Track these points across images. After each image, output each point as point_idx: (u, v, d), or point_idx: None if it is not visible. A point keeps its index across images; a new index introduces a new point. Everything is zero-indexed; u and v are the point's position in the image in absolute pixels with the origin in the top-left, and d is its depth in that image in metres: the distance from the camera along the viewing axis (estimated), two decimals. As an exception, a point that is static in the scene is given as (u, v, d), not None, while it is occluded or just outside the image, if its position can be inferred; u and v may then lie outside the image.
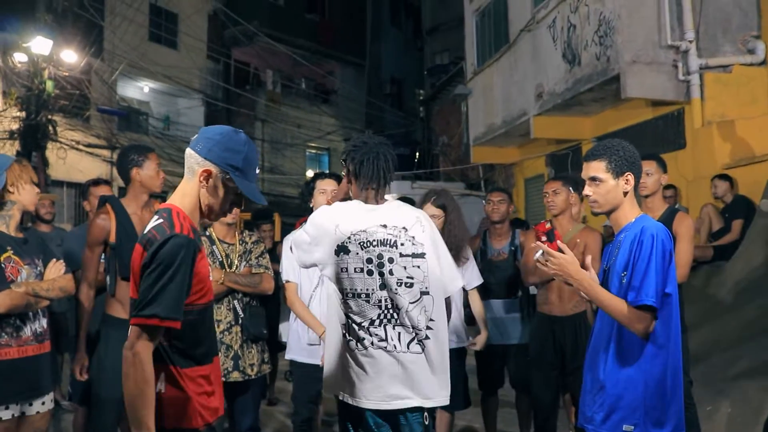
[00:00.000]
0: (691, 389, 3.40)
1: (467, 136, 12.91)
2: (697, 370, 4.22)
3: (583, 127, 9.34)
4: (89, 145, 15.40)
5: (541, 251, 2.35)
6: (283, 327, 4.19)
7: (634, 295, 2.19)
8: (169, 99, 18.73)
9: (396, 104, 24.52)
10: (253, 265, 3.56)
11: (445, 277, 2.54)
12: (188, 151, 1.95)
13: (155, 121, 18.70)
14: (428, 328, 2.43)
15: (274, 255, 5.26)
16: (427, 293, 2.44)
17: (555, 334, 3.79)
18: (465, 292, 4.01)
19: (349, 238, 2.42)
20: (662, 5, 7.23)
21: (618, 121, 8.65)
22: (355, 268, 2.41)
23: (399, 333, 2.40)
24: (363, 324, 2.40)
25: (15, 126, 13.02)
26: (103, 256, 3.21)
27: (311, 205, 3.60)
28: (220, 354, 2.74)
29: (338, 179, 3.62)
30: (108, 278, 3.16)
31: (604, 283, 2.36)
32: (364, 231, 2.43)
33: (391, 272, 2.41)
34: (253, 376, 3.47)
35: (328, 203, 3.12)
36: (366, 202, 2.52)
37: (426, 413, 2.45)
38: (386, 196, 2.60)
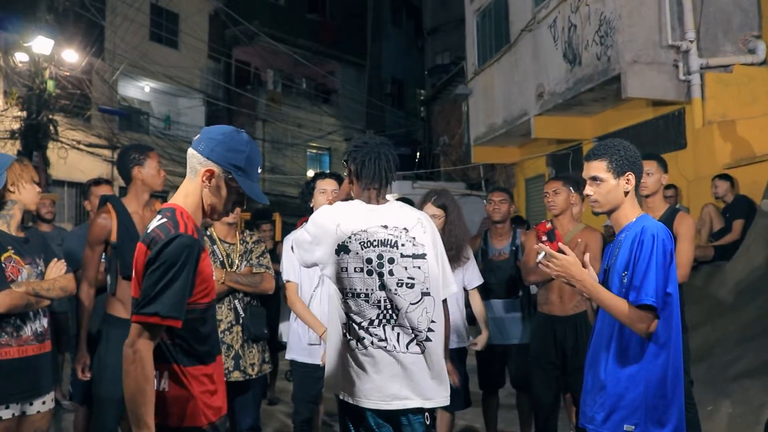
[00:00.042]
0: (691, 389, 3.40)
1: (468, 136, 12.91)
2: (698, 370, 4.22)
3: (584, 127, 9.33)
4: (90, 145, 15.42)
5: (543, 253, 2.35)
6: (283, 327, 4.18)
7: (635, 295, 2.19)
8: (170, 99, 18.75)
9: (397, 104, 24.54)
10: (254, 264, 3.56)
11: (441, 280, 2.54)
12: (190, 151, 1.95)
13: (156, 120, 18.73)
14: (429, 330, 2.43)
15: (275, 255, 5.26)
16: (429, 294, 2.44)
17: (556, 334, 3.79)
18: (466, 292, 4.01)
19: (349, 237, 2.42)
20: (663, 5, 7.23)
21: (619, 121, 8.65)
22: (355, 268, 2.41)
23: (398, 334, 2.40)
24: (362, 324, 2.40)
25: (16, 125, 13.04)
26: (103, 256, 3.21)
27: (311, 205, 3.60)
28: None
29: (338, 179, 3.62)
30: (108, 278, 3.16)
31: (605, 282, 2.36)
32: (364, 231, 2.43)
33: (391, 272, 2.41)
34: (253, 376, 3.47)
35: (329, 203, 3.12)
36: (367, 202, 2.52)
37: (427, 413, 2.46)
38: (387, 196, 2.60)
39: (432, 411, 2.51)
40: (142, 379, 1.74)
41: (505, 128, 10.30)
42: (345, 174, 2.66)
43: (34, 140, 12.82)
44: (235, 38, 19.51)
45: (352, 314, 2.42)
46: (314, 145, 21.80)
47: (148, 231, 1.86)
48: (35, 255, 2.84)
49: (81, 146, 15.07)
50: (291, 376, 3.87)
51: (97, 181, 4.40)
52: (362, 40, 22.57)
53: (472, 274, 3.98)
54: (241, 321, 3.45)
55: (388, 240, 2.43)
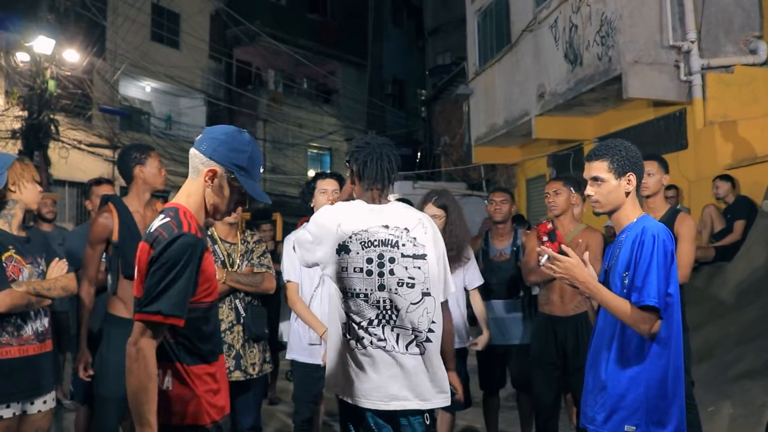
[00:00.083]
0: (692, 390, 3.40)
1: (469, 137, 12.91)
2: (699, 371, 4.21)
3: (585, 127, 9.33)
4: (91, 145, 15.43)
5: (547, 256, 2.35)
6: (283, 327, 4.18)
7: (637, 296, 2.19)
8: (171, 99, 18.76)
9: (398, 104, 24.54)
10: (254, 264, 3.56)
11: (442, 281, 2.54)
12: (193, 151, 1.95)
13: (157, 120, 18.74)
14: (430, 330, 2.43)
15: (275, 255, 5.26)
16: (429, 294, 2.44)
17: (557, 335, 3.79)
18: (466, 292, 4.01)
19: (350, 237, 2.42)
20: (664, 5, 7.23)
21: (620, 121, 8.65)
22: (355, 268, 2.41)
23: (398, 334, 2.40)
24: (362, 323, 2.40)
25: (17, 125, 13.06)
26: (104, 256, 3.21)
27: (312, 206, 3.60)
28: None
29: (339, 179, 3.62)
30: (109, 277, 3.16)
31: (606, 283, 2.36)
32: (365, 231, 2.43)
33: (391, 272, 2.41)
34: (254, 376, 3.48)
35: (330, 203, 3.12)
36: (369, 202, 2.52)
37: (426, 414, 2.46)
38: (388, 197, 2.60)
39: (432, 412, 2.51)
40: (145, 377, 1.75)
41: (506, 128, 10.30)
42: (347, 174, 2.66)
43: (35, 140, 12.83)
44: (236, 38, 19.52)
45: (351, 314, 2.42)
46: (315, 145, 21.81)
47: (151, 230, 1.86)
48: (37, 254, 2.84)
49: (82, 146, 15.08)
50: (291, 376, 3.87)
51: (99, 181, 4.40)
52: (363, 40, 22.57)
53: (472, 275, 3.98)
54: (242, 321, 3.45)
55: (389, 240, 2.43)
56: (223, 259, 3.47)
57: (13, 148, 12.95)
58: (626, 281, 2.25)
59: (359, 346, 2.40)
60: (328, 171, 4.54)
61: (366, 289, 2.40)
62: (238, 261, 3.52)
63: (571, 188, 3.86)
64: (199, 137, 1.97)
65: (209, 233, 3.49)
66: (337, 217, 2.47)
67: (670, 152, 7.22)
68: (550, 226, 2.40)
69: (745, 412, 3.96)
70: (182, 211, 1.89)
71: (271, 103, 19.80)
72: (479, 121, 11.59)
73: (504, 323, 4.24)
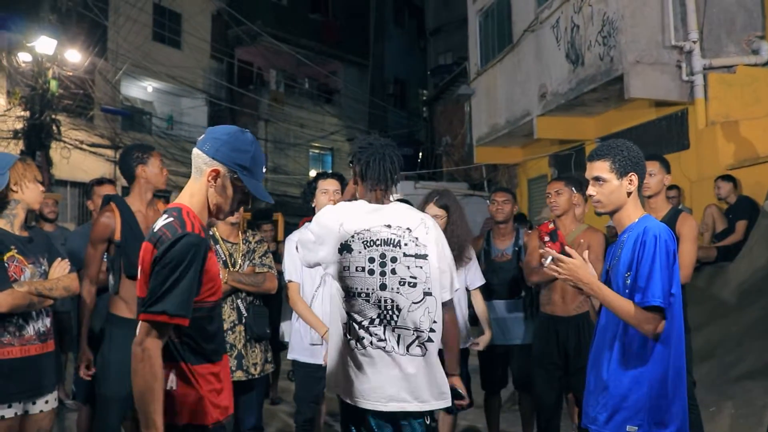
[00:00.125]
0: (694, 390, 3.40)
1: (470, 137, 12.91)
2: (701, 371, 4.21)
3: (587, 127, 9.33)
4: (93, 145, 15.45)
5: (550, 257, 2.35)
6: (285, 327, 4.19)
7: (640, 297, 2.18)
8: (173, 99, 18.77)
9: (399, 104, 24.55)
10: (256, 264, 3.56)
11: (443, 282, 2.53)
12: (195, 151, 1.96)
13: (159, 120, 18.75)
14: (431, 330, 2.43)
15: (276, 255, 5.27)
16: (430, 294, 2.45)
17: (558, 335, 3.78)
18: (468, 292, 4.01)
19: (352, 236, 2.43)
20: (666, 5, 7.21)
21: (621, 121, 8.64)
22: (356, 267, 2.41)
23: (399, 335, 2.39)
24: (363, 323, 2.40)
25: (19, 125, 13.07)
26: (105, 256, 3.22)
27: (313, 206, 3.60)
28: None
29: (340, 179, 3.62)
30: (111, 277, 3.16)
31: (607, 283, 2.36)
32: (368, 230, 2.44)
33: (393, 271, 2.41)
34: (256, 376, 3.48)
35: (332, 203, 3.12)
36: (372, 202, 2.52)
37: (428, 416, 2.46)
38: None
39: (432, 413, 2.51)
40: (151, 377, 1.75)
41: (508, 128, 10.30)
42: (351, 175, 2.66)
43: (37, 140, 12.84)
44: (238, 38, 19.53)
45: (353, 313, 2.42)
46: (317, 145, 21.81)
47: (155, 230, 1.87)
48: (39, 254, 2.84)
49: (84, 146, 15.10)
50: (293, 376, 3.87)
51: (100, 181, 4.41)
52: (365, 40, 22.57)
53: (474, 275, 3.98)
54: (243, 320, 3.46)
55: (391, 239, 2.43)
56: (224, 259, 3.48)
57: (15, 148, 12.96)
58: (628, 281, 2.25)
59: (359, 346, 2.41)
60: (330, 171, 4.54)
61: (367, 288, 2.40)
62: (239, 261, 3.53)
63: (573, 188, 3.86)
64: (201, 137, 1.98)
65: (211, 233, 3.50)
66: (340, 216, 2.48)
67: (671, 152, 7.21)
68: (551, 226, 2.40)
69: (747, 413, 3.95)
70: (185, 211, 1.90)
71: (273, 103, 19.81)
72: (481, 121, 11.58)
73: (505, 323, 4.24)
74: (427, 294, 2.44)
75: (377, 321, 2.39)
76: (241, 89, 19.20)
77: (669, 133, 7.83)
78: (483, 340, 3.93)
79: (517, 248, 4.31)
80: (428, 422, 2.45)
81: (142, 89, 18.45)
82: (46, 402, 2.82)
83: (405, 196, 5.90)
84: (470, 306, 4.05)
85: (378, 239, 2.43)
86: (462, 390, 2.68)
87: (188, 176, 2.00)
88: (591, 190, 2.39)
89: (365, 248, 2.42)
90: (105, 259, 3.23)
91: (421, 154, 19.11)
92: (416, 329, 2.40)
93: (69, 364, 5.21)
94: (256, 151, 1.97)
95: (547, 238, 2.37)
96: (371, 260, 2.41)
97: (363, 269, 2.41)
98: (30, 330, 2.74)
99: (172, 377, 1.86)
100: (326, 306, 3.22)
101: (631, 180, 2.34)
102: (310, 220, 2.90)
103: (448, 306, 2.57)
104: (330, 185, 3.55)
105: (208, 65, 19.39)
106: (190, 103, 18.93)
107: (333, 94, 23.17)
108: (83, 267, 3.24)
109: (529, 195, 11.85)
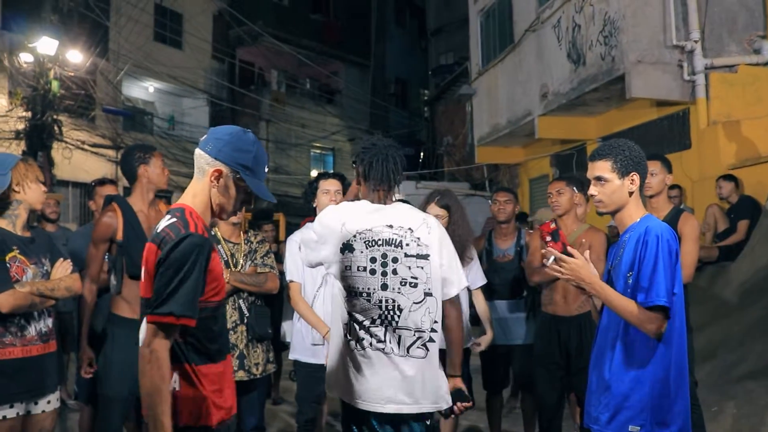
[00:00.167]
0: (696, 390, 3.39)
1: (472, 136, 12.91)
2: (703, 371, 4.21)
3: (588, 127, 9.32)
4: (94, 145, 15.46)
5: (552, 257, 2.35)
6: (286, 327, 4.19)
7: (644, 297, 2.18)
8: (174, 99, 18.79)
9: (400, 104, 24.56)
10: (258, 264, 3.56)
11: (449, 277, 2.53)
12: (198, 151, 1.96)
13: (160, 121, 18.76)
14: (432, 330, 2.43)
15: (278, 255, 5.27)
16: (431, 295, 2.45)
17: (560, 335, 3.78)
18: (469, 292, 4.01)
19: (354, 236, 2.43)
20: (667, 5, 7.21)
21: (623, 121, 8.64)
22: (358, 267, 2.42)
23: (399, 336, 2.39)
24: (364, 323, 2.40)
25: (21, 126, 13.08)
26: (106, 256, 3.22)
27: (314, 206, 3.60)
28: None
29: (342, 179, 3.62)
30: (112, 277, 3.17)
31: (609, 283, 2.36)
32: (369, 230, 2.44)
33: (394, 271, 2.41)
34: (258, 376, 3.48)
35: (334, 203, 3.12)
36: (375, 203, 2.53)
37: (428, 417, 2.46)
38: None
39: (433, 415, 2.51)
40: (159, 379, 1.75)
41: (509, 128, 10.29)
42: (354, 175, 2.67)
43: (38, 140, 12.84)
44: (239, 38, 19.54)
45: (354, 313, 2.43)
46: (318, 145, 21.81)
47: (158, 231, 1.87)
48: (41, 255, 2.85)
49: (85, 146, 15.11)
50: (295, 376, 3.87)
51: (102, 181, 4.41)
52: (366, 40, 22.59)
53: (475, 275, 3.98)
54: (245, 320, 3.46)
55: (392, 239, 2.44)
56: (226, 259, 3.48)
57: (17, 148, 12.98)
58: (630, 281, 2.24)
59: (358, 347, 2.41)
60: (331, 171, 4.54)
61: (369, 288, 2.41)
62: (241, 261, 3.53)
63: (574, 188, 3.86)
64: (204, 138, 1.99)
65: (213, 233, 3.50)
66: (342, 216, 2.48)
67: (673, 152, 7.20)
68: (553, 226, 2.40)
69: (749, 413, 3.95)
70: (188, 211, 1.90)
71: (274, 104, 19.82)
72: (482, 121, 11.58)
73: (507, 323, 4.24)
74: (428, 294, 2.44)
75: (378, 321, 2.40)
76: (242, 89, 19.21)
77: (671, 132, 7.83)
78: (485, 340, 3.93)
79: (518, 248, 4.31)
80: (428, 421, 2.45)
81: (143, 89, 18.47)
82: (48, 402, 2.82)
83: (406, 196, 5.90)
84: (472, 306, 4.05)
85: (380, 239, 2.43)
86: (466, 392, 2.67)
87: (190, 176, 2.00)
88: (593, 189, 2.39)
89: (367, 248, 2.42)
90: (106, 260, 3.23)
91: (422, 154, 19.12)
92: (417, 329, 2.41)
93: (71, 364, 5.22)
94: (258, 150, 1.97)
95: (548, 238, 2.37)
96: (373, 260, 2.41)
97: (364, 269, 2.41)
98: (32, 330, 2.74)
99: (176, 378, 1.86)
100: (327, 306, 3.22)
101: (632, 180, 2.34)
102: (311, 221, 2.91)
103: (454, 302, 2.57)
104: (331, 185, 3.55)
105: (209, 65, 19.40)
106: (192, 104, 18.94)
107: (334, 94, 23.18)
108: (85, 267, 3.25)
109: (531, 195, 11.85)
